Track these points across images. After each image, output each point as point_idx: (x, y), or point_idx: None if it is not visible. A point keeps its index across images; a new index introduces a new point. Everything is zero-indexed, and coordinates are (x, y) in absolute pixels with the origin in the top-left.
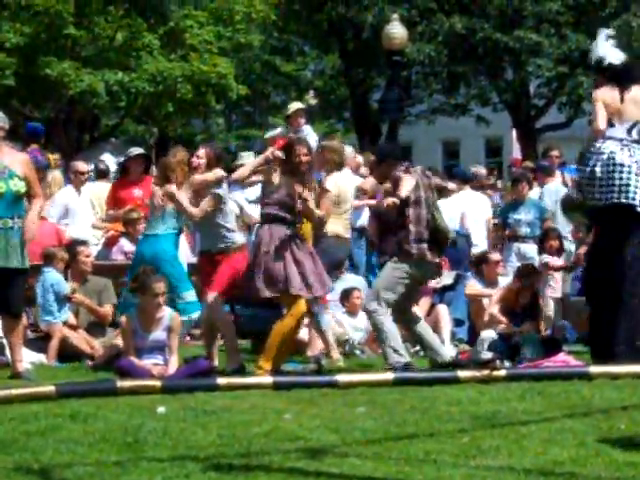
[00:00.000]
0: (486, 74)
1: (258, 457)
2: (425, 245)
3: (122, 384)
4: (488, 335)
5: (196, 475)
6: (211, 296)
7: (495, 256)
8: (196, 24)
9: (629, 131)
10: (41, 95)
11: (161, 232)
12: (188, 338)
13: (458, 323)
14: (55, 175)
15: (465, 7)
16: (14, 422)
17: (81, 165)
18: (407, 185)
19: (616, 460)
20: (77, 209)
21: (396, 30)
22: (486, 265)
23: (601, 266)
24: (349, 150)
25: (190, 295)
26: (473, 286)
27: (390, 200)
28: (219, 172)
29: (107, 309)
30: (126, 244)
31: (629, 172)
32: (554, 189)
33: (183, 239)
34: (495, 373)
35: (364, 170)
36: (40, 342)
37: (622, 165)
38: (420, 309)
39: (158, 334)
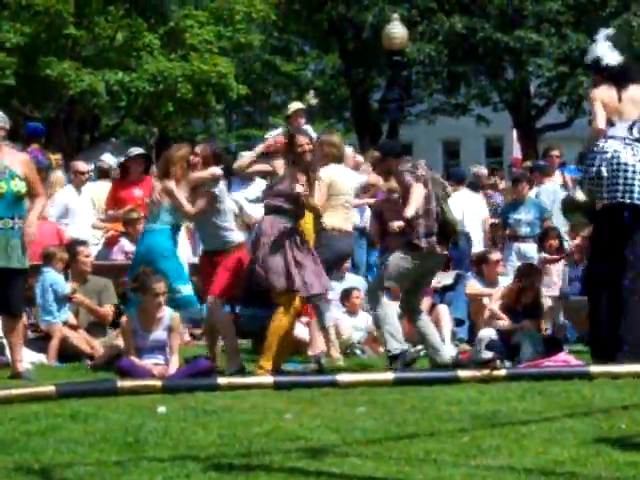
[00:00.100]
0: (486, 74)
1: (259, 457)
2: (434, 238)
3: (122, 384)
4: (486, 334)
5: (197, 475)
6: (210, 299)
7: (495, 256)
8: (196, 24)
9: (630, 130)
10: (41, 95)
11: (156, 227)
12: (189, 338)
13: (458, 323)
14: (58, 175)
15: (465, 7)
16: (14, 422)
17: (81, 165)
18: (416, 199)
19: (616, 460)
20: (77, 209)
21: (396, 30)
22: (486, 265)
23: (602, 265)
24: (349, 150)
25: (186, 289)
26: (473, 286)
27: (396, 225)
28: (215, 170)
29: (107, 309)
30: (126, 244)
31: (633, 172)
32: (551, 189)
33: (184, 238)
34: (495, 373)
35: (365, 167)
36: (40, 342)
37: (626, 164)
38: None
39: (158, 334)
